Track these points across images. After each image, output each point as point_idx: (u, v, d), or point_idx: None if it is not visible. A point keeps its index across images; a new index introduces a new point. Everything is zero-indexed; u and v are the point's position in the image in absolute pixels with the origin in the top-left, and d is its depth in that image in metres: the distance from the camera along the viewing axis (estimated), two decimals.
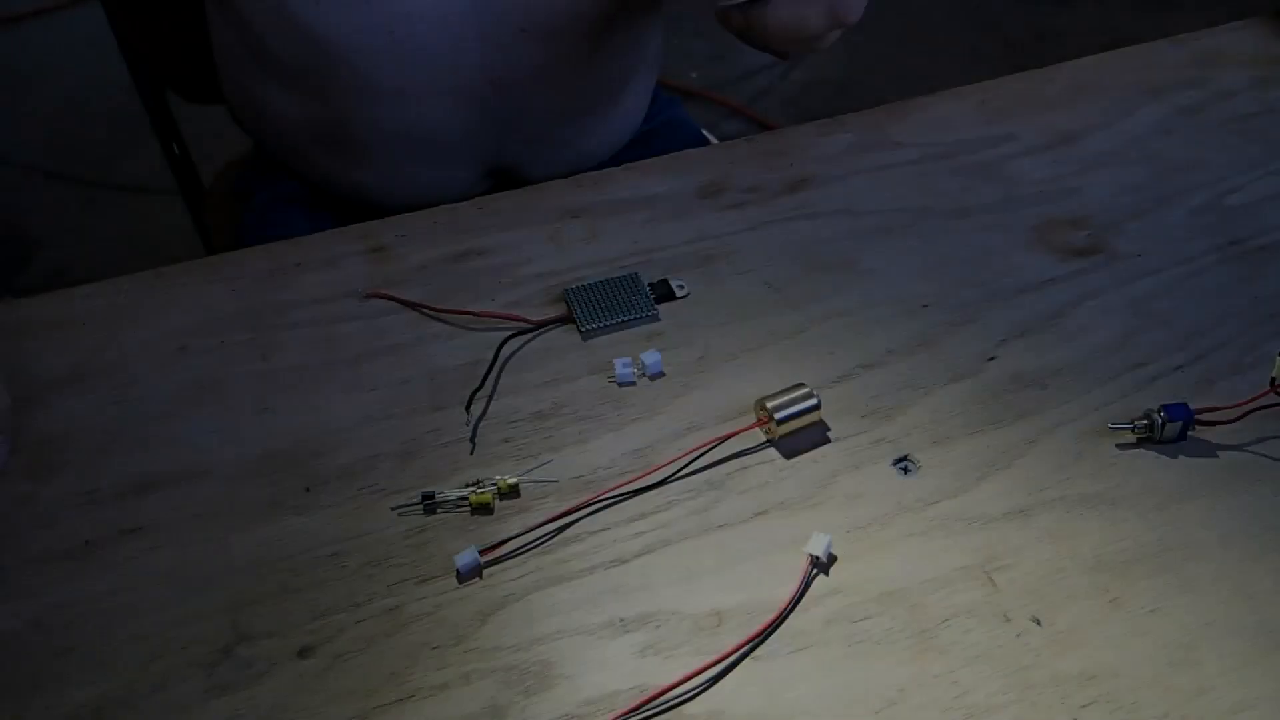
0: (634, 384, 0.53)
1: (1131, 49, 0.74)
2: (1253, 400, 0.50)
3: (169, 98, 0.88)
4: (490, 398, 0.52)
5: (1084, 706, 0.42)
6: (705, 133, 0.89)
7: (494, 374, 0.53)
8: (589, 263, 0.57)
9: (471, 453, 0.49)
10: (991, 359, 0.54)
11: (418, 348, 0.54)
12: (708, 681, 0.42)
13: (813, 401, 0.50)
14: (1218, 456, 0.50)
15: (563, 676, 0.42)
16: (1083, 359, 0.54)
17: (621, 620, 0.44)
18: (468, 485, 0.48)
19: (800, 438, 0.50)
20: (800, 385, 0.50)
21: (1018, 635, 0.44)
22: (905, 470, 0.49)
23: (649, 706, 0.41)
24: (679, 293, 0.57)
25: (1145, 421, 0.50)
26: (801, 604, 0.45)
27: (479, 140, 0.73)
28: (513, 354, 0.54)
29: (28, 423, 0.50)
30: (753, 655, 0.43)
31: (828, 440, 0.51)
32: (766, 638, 0.43)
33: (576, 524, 0.47)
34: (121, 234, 1.79)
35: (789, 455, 0.50)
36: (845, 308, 0.57)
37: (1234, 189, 0.64)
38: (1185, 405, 0.50)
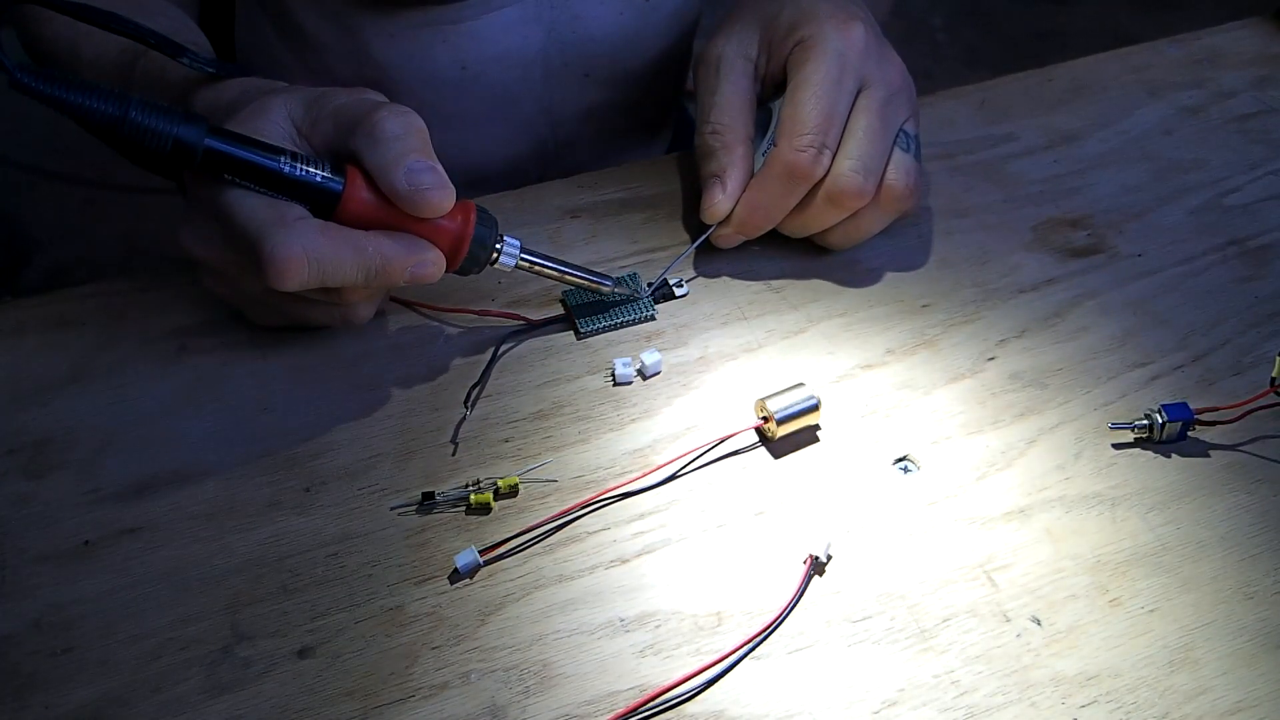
0: (633, 384, 0.53)
1: (1131, 49, 0.74)
2: (1253, 400, 0.50)
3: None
4: (482, 397, 0.52)
5: (1084, 706, 0.42)
6: None
7: (492, 373, 0.53)
8: (589, 263, 0.57)
9: (454, 454, 0.49)
10: (991, 359, 0.54)
11: (417, 348, 0.54)
12: (708, 681, 0.42)
13: (813, 401, 0.49)
14: (1218, 456, 0.50)
15: (563, 676, 0.42)
16: (1083, 359, 0.54)
17: (621, 620, 0.44)
18: (467, 485, 0.48)
19: (800, 437, 0.50)
20: (800, 385, 0.50)
21: (1017, 635, 0.44)
22: (905, 470, 0.49)
23: (649, 706, 0.41)
24: (679, 292, 0.57)
25: (1145, 421, 0.50)
26: (801, 604, 0.45)
27: (524, 166, 0.74)
28: (512, 354, 0.54)
29: (28, 423, 0.50)
30: (753, 655, 0.43)
31: (827, 440, 0.51)
32: (766, 638, 0.44)
33: (576, 524, 0.47)
34: (121, 234, 1.79)
35: (789, 455, 0.50)
36: (845, 308, 0.57)
37: (1234, 189, 0.64)
38: (1185, 405, 0.50)
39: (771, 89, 0.59)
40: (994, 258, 0.59)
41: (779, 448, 0.50)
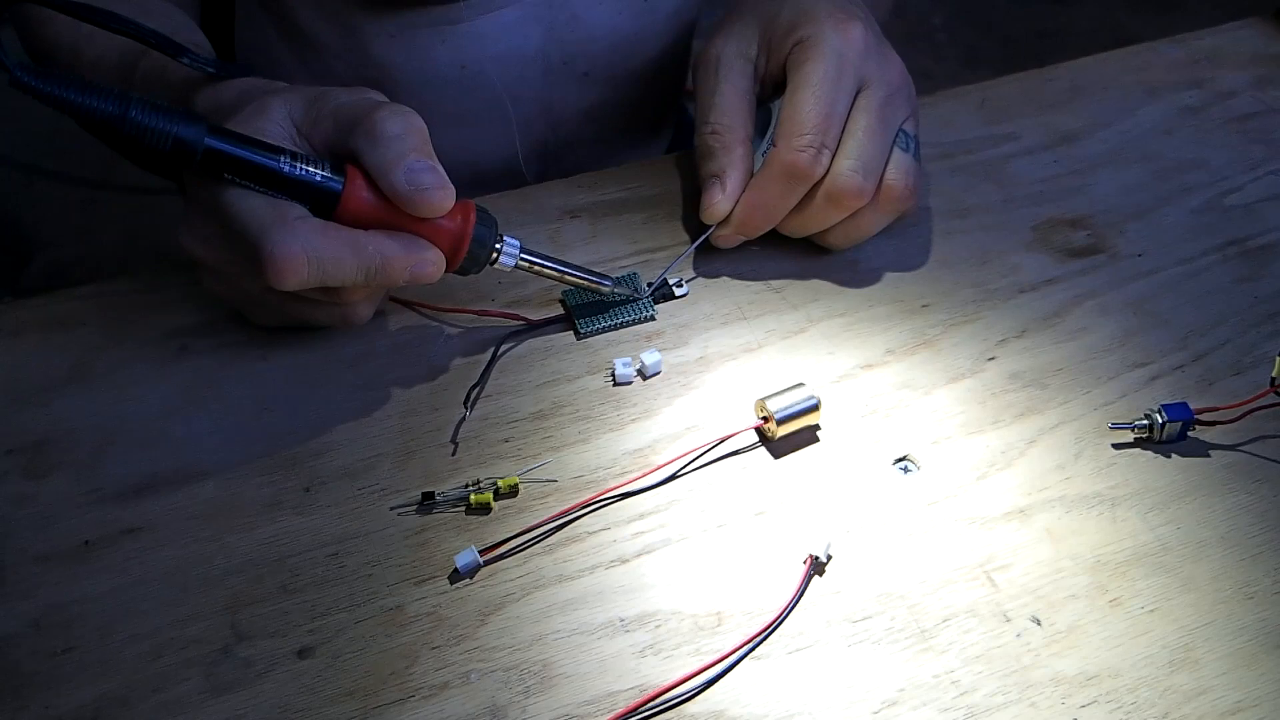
0: (633, 384, 0.53)
1: (1131, 49, 0.74)
2: (1253, 400, 0.50)
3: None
4: (482, 397, 0.52)
5: (1084, 706, 0.42)
6: None
7: (492, 373, 0.53)
8: (589, 263, 0.57)
9: (454, 454, 0.49)
10: (991, 359, 0.54)
11: (417, 348, 0.54)
12: (708, 681, 0.42)
13: (813, 401, 0.49)
14: (1218, 456, 0.50)
15: (563, 676, 0.42)
16: (1083, 359, 0.54)
17: (621, 620, 0.44)
18: (467, 485, 0.48)
19: (800, 438, 0.50)
20: (800, 385, 0.50)
21: (1017, 635, 0.44)
22: (905, 470, 0.49)
23: (649, 706, 0.41)
24: (679, 293, 0.57)
25: (1145, 421, 0.50)
26: (801, 604, 0.45)
27: (524, 166, 0.74)
28: (512, 354, 0.54)
29: (27, 423, 0.50)
30: (753, 655, 0.43)
31: (827, 440, 0.51)
32: (766, 638, 0.44)
33: (576, 524, 0.47)
34: (121, 234, 1.79)
35: (789, 455, 0.50)
36: (845, 308, 0.57)
37: (1234, 189, 0.64)
38: (1185, 405, 0.50)
39: (771, 89, 0.59)
40: (994, 258, 0.59)
41: (779, 448, 0.50)
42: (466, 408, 0.51)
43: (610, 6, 0.69)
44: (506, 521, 0.47)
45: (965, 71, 2.14)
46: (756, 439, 0.51)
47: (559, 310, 0.56)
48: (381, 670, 0.42)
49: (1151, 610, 0.45)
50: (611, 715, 0.41)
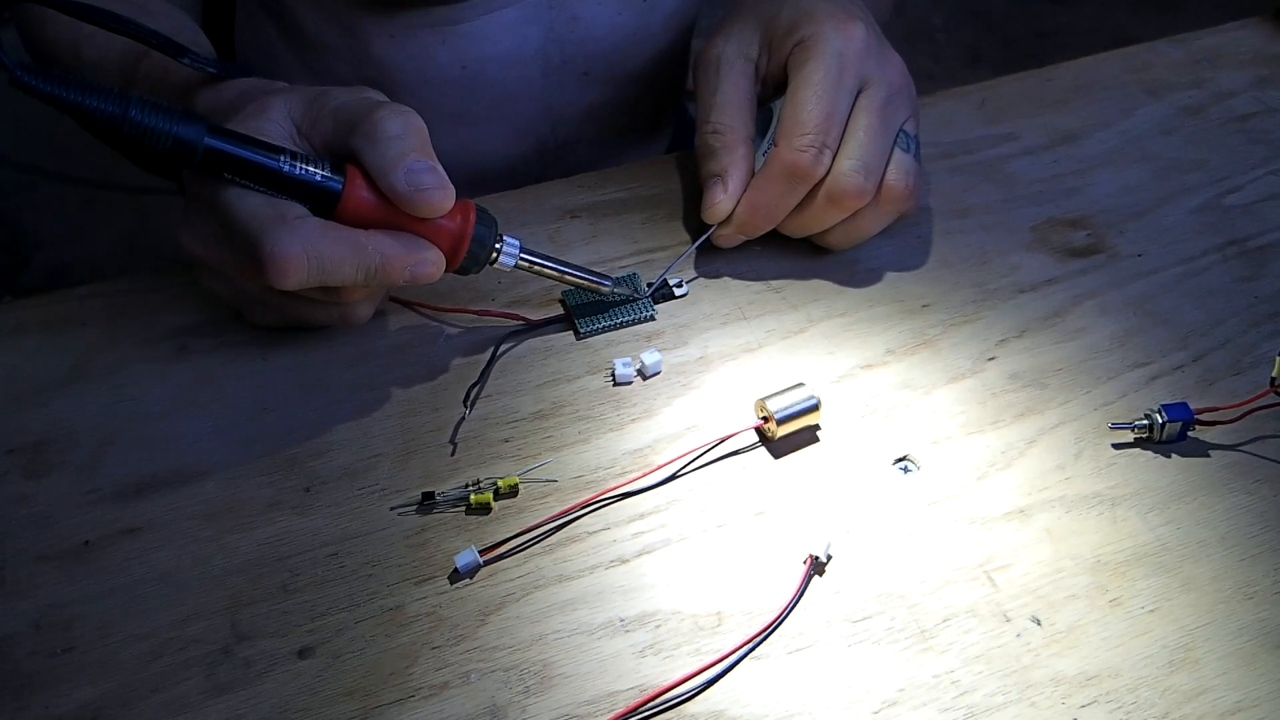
0: (633, 384, 0.53)
1: (1131, 49, 0.74)
2: (1253, 400, 0.50)
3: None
4: (482, 397, 0.52)
5: (1084, 706, 0.42)
6: None
7: (492, 373, 0.53)
8: (589, 263, 0.57)
9: (454, 454, 0.49)
10: (991, 359, 0.54)
11: (417, 348, 0.54)
12: (708, 681, 0.42)
13: (813, 401, 0.49)
14: (1218, 456, 0.50)
15: (563, 676, 0.42)
16: (1083, 359, 0.54)
17: (621, 620, 0.44)
18: (467, 485, 0.48)
19: (800, 438, 0.50)
20: (800, 385, 0.50)
21: (1017, 635, 0.44)
22: (905, 470, 0.49)
23: (649, 706, 0.41)
24: (679, 293, 0.57)
25: (1145, 421, 0.50)
26: (801, 604, 0.45)
27: (525, 167, 0.74)
28: (512, 354, 0.54)
29: (27, 423, 0.50)
30: (753, 655, 0.43)
31: (827, 440, 0.51)
32: (766, 638, 0.44)
33: (576, 524, 0.47)
34: (121, 234, 1.80)
35: (789, 455, 0.50)
36: (845, 308, 0.57)
37: (1234, 189, 0.64)
38: (1185, 405, 0.50)
39: (772, 89, 0.59)
40: (994, 258, 0.59)
41: (779, 448, 0.50)
42: (466, 408, 0.51)
43: (610, 6, 0.69)
44: (506, 521, 0.47)
45: (965, 71, 2.14)
46: (756, 439, 0.51)
47: (559, 310, 0.56)
48: (381, 670, 0.42)
49: (1151, 610, 0.45)
50: (611, 715, 0.41)
